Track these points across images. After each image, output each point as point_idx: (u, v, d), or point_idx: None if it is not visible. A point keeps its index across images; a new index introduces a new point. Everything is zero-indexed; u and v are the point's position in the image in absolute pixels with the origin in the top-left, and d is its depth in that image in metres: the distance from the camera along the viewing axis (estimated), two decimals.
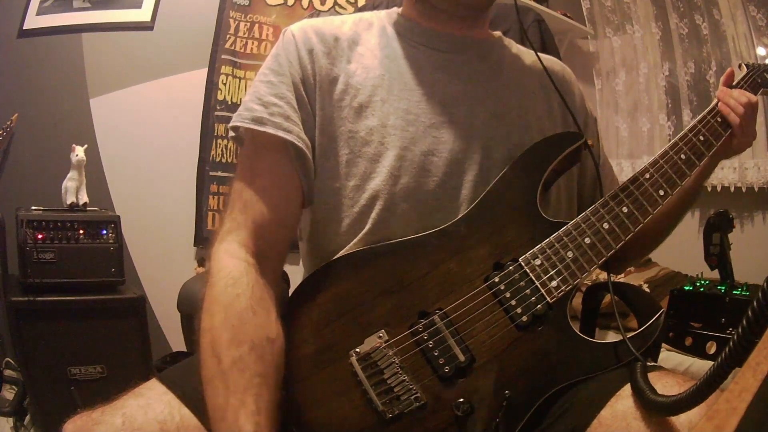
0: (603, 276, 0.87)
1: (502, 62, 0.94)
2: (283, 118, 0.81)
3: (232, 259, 0.77)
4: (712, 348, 1.50)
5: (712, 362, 1.43)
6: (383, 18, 0.94)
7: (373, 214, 0.80)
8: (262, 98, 0.82)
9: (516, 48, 0.98)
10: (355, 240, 0.81)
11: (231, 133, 0.85)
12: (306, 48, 0.85)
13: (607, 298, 1.33)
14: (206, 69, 2.42)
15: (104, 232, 1.90)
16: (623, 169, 2.72)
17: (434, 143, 0.83)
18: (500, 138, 0.85)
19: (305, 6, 2.53)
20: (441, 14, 0.90)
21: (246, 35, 2.47)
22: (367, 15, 0.94)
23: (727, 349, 0.44)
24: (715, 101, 0.94)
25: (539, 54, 0.94)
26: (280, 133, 0.80)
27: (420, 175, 0.81)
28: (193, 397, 0.70)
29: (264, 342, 0.71)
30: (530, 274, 0.75)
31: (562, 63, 1.03)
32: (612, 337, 1.77)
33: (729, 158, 0.96)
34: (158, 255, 2.31)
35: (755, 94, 0.94)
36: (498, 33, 0.99)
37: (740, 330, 0.44)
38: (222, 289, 0.74)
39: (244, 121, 0.81)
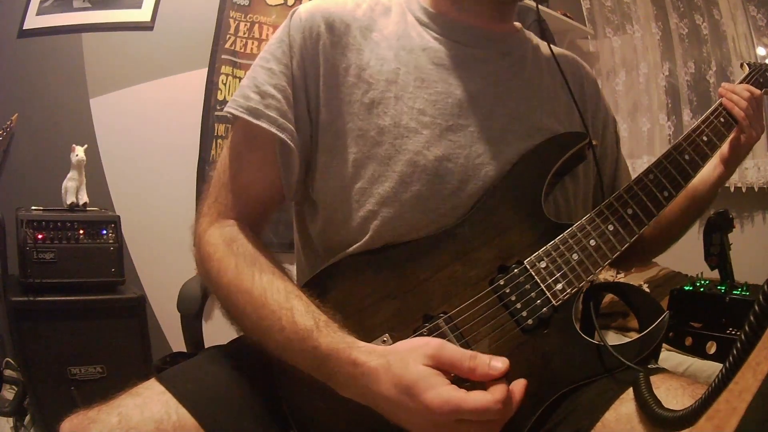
0: (603, 276, 0.87)
1: (525, 59, 0.90)
2: (279, 113, 0.79)
3: (223, 228, 0.80)
4: (712, 348, 1.51)
5: (712, 362, 1.42)
6: (402, 3, 0.89)
7: (380, 221, 0.78)
8: (260, 87, 0.81)
9: (537, 43, 0.95)
10: (359, 244, 0.79)
11: (228, 116, 0.84)
12: (312, 37, 0.82)
13: (608, 297, 1.33)
14: (206, 69, 2.41)
15: (104, 232, 1.90)
16: None
17: (450, 147, 0.79)
18: (519, 142, 0.82)
19: None
20: (466, 4, 0.87)
21: (246, 35, 2.47)
22: None
23: (731, 358, 0.43)
24: (717, 102, 0.94)
25: (560, 50, 0.92)
26: (274, 129, 0.79)
27: (433, 183, 0.78)
28: (191, 397, 0.70)
29: (283, 270, 0.76)
30: (535, 277, 0.74)
31: (582, 62, 1.00)
32: (612, 337, 1.77)
33: (744, 159, 0.97)
34: (158, 255, 2.30)
35: None
36: (519, 25, 0.96)
37: (744, 337, 0.43)
38: (225, 250, 0.77)
39: (239, 109, 0.80)
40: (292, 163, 0.81)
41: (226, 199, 0.82)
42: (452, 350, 0.62)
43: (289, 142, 0.79)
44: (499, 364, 0.61)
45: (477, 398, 0.57)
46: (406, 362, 0.61)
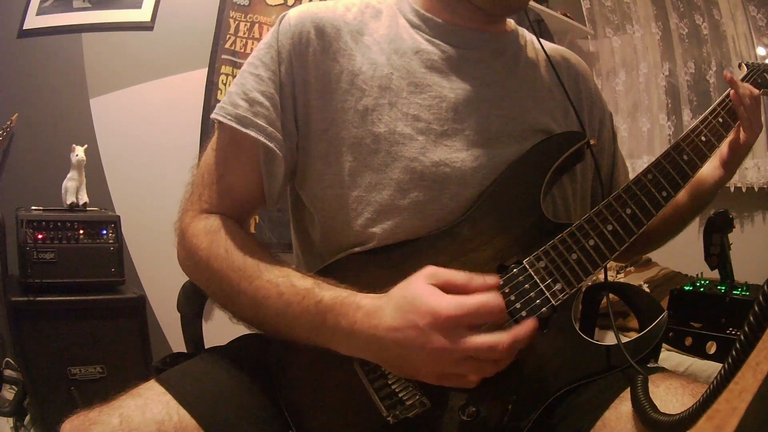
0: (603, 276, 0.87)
1: (518, 59, 0.90)
2: (267, 122, 0.79)
3: (208, 220, 0.80)
4: (712, 348, 1.51)
5: (712, 362, 1.42)
6: (393, 5, 0.89)
7: (379, 229, 0.77)
8: (248, 93, 0.80)
9: (531, 40, 0.94)
10: (358, 251, 0.78)
11: (214, 121, 0.84)
12: (302, 43, 0.82)
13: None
14: (206, 69, 2.41)
15: (104, 232, 1.90)
16: None
17: (446, 153, 0.79)
18: (516, 143, 0.82)
19: None
20: (460, 7, 0.86)
21: (246, 35, 2.47)
22: (375, 1, 0.89)
23: (731, 358, 0.43)
24: (715, 102, 0.94)
25: (554, 46, 0.93)
26: (262, 138, 0.79)
27: (430, 189, 0.78)
28: (191, 398, 0.70)
29: (271, 252, 0.77)
30: (535, 277, 0.73)
31: (577, 57, 1.00)
32: (612, 336, 1.77)
33: (743, 159, 0.97)
34: (158, 255, 2.29)
35: None
36: (512, 23, 0.95)
37: (743, 337, 0.43)
38: (212, 238, 0.77)
39: (227, 117, 0.80)
40: (277, 171, 0.81)
41: (209, 197, 0.83)
42: (446, 270, 0.67)
43: (276, 150, 0.79)
44: (493, 278, 0.68)
45: (479, 296, 0.64)
46: (408, 283, 0.66)
